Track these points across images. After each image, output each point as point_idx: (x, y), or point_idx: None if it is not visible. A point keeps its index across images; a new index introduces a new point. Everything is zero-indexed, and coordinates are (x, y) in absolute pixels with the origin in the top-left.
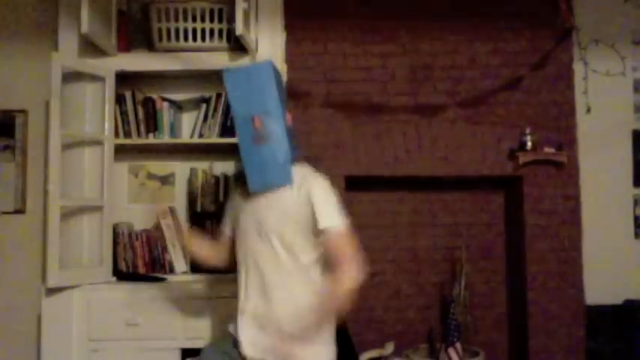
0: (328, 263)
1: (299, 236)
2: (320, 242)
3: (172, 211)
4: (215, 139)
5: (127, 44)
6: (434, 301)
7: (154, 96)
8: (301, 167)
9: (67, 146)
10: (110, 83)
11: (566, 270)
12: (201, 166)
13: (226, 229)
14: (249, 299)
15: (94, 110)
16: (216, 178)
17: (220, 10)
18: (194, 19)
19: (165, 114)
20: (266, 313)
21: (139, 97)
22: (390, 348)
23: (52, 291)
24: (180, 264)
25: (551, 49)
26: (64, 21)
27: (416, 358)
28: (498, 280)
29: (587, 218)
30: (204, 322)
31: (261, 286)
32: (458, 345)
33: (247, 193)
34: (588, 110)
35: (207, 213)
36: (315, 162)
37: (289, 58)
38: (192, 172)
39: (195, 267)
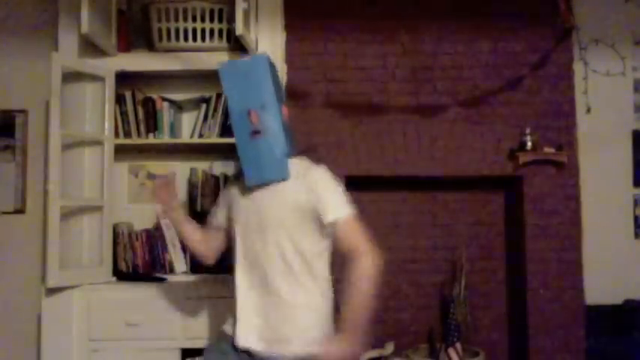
0: (336, 255)
1: (302, 229)
2: (327, 234)
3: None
4: (215, 139)
5: (127, 44)
6: (434, 301)
7: (154, 96)
8: (300, 160)
9: (67, 146)
10: (110, 83)
11: (566, 270)
12: (201, 166)
13: (215, 220)
14: (249, 296)
15: (94, 110)
16: (216, 178)
17: (220, 10)
18: (194, 19)
19: (166, 114)
20: (268, 309)
21: (139, 97)
22: (390, 348)
23: (52, 291)
24: (180, 264)
25: (551, 49)
26: (64, 21)
27: (416, 358)
28: (498, 280)
29: (587, 218)
30: (204, 322)
31: (262, 283)
32: (458, 345)
33: (246, 189)
34: (588, 110)
35: (207, 213)
36: (315, 160)
37: (289, 58)
38: (192, 172)
39: (196, 267)
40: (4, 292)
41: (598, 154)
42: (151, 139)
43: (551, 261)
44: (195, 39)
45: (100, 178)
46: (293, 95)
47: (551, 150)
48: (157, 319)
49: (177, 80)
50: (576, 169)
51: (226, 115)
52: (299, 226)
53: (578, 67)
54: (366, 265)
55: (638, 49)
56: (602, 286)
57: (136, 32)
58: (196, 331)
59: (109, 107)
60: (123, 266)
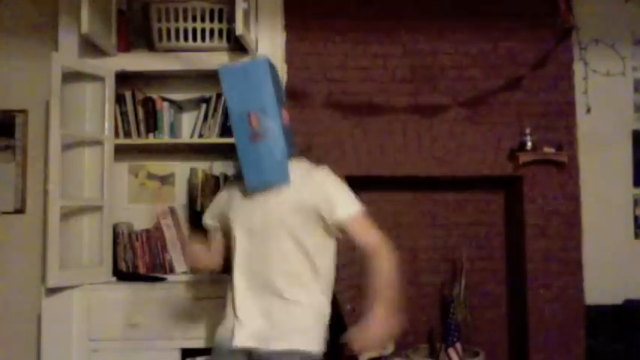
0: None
1: (305, 229)
2: (332, 232)
3: (173, 211)
4: (215, 139)
5: (127, 44)
6: (434, 301)
7: (154, 96)
8: (300, 162)
9: (67, 146)
10: (110, 83)
11: (566, 270)
12: (201, 166)
13: (212, 223)
14: (248, 296)
15: (94, 110)
16: (216, 178)
17: (220, 10)
18: (194, 19)
19: (166, 114)
20: (269, 308)
21: (139, 97)
22: (390, 348)
23: (52, 291)
24: (180, 264)
25: (551, 49)
26: (64, 21)
27: (416, 358)
28: (498, 280)
29: (587, 218)
30: (204, 322)
31: (263, 282)
32: (458, 345)
33: (247, 192)
34: (588, 110)
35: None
36: (314, 161)
37: (289, 58)
38: (192, 172)
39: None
40: (4, 292)
41: (598, 154)
42: (151, 139)
43: (551, 261)
44: (195, 39)
45: (100, 178)
46: (293, 95)
47: (551, 150)
48: (156, 319)
49: (177, 80)
50: (576, 169)
51: (226, 115)
52: (302, 226)
53: (578, 67)
54: (384, 256)
55: (638, 49)
56: (602, 286)
57: (136, 32)
58: (196, 331)
59: (109, 107)
60: (123, 266)
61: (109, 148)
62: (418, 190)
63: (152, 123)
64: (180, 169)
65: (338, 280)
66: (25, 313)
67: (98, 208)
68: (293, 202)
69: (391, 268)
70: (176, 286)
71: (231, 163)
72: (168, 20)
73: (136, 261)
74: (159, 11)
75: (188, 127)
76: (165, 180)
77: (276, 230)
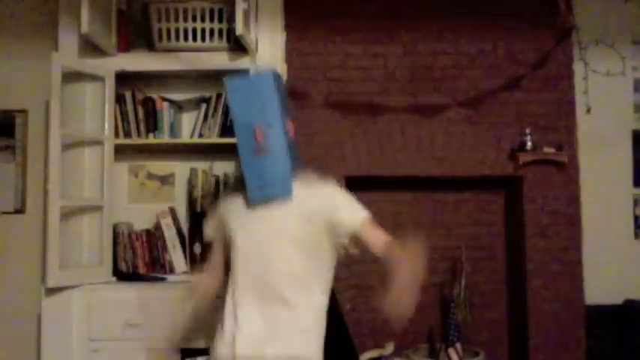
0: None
1: (310, 239)
2: (339, 238)
3: (172, 211)
4: (215, 139)
5: (127, 44)
6: (434, 301)
7: (154, 96)
8: (306, 176)
9: (67, 146)
10: (110, 83)
11: (566, 270)
12: (201, 166)
13: (212, 233)
14: (248, 304)
15: (94, 110)
16: (216, 178)
17: (220, 10)
18: (194, 19)
19: (166, 114)
20: (270, 314)
21: (139, 97)
22: (390, 348)
23: (52, 291)
24: (180, 264)
25: (551, 49)
26: (64, 21)
27: (416, 358)
28: (498, 280)
29: (587, 218)
30: (204, 322)
31: (265, 290)
32: (458, 345)
33: (249, 201)
34: (588, 110)
35: (207, 213)
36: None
37: (289, 58)
38: (192, 172)
39: (196, 267)
40: (4, 292)
41: (598, 154)
42: (151, 139)
43: (551, 261)
44: (195, 39)
45: (100, 178)
46: (293, 95)
47: (551, 150)
48: (157, 319)
49: (177, 80)
50: (576, 169)
51: (226, 115)
52: (308, 235)
53: (578, 67)
54: (398, 253)
55: (638, 49)
56: (602, 286)
57: (136, 32)
58: (196, 331)
59: (109, 107)
60: (123, 266)
61: (109, 148)
62: (418, 190)
63: (152, 123)
64: (180, 169)
65: (338, 280)
66: (25, 313)
67: (98, 208)
68: (299, 213)
69: (410, 257)
70: (176, 286)
71: (231, 163)
72: (168, 20)
73: (136, 261)
74: (159, 11)
75: (188, 127)
76: (165, 180)
77: (278, 238)
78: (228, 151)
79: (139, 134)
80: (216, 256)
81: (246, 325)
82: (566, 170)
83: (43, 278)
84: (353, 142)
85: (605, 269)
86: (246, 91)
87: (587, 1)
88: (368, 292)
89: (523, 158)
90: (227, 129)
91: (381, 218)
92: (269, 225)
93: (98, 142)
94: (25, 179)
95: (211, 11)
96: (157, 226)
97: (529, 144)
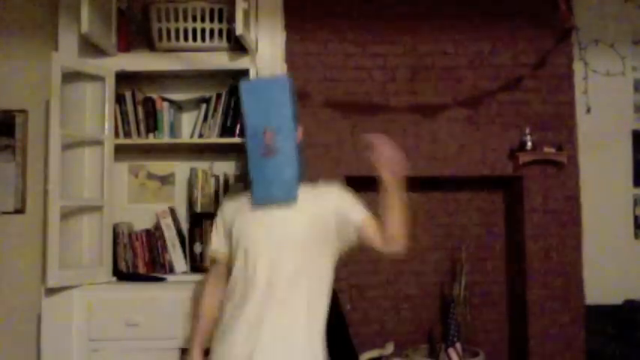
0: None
1: (317, 240)
2: (338, 247)
3: (172, 211)
4: (215, 139)
5: (127, 44)
6: (434, 301)
7: (154, 96)
8: (314, 185)
9: (67, 146)
10: (110, 83)
11: (566, 270)
12: (201, 166)
13: (223, 248)
14: (250, 310)
15: (94, 110)
16: (217, 178)
17: (220, 10)
18: (194, 19)
19: (166, 114)
20: (273, 319)
21: (139, 97)
22: (390, 348)
23: (52, 291)
24: (180, 264)
25: (551, 49)
26: (64, 21)
27: (416, 358)
28: (498, 280)
29: (587, 218)
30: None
31: (268, 294)
32: (458, 345)
33: (254, 205)
34: (588, 110)
35: (207, 213)
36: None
37: (289, 58)
38: (192, 172)
39: (196, 267)
40: (4, 292)
41: (598, 154)
42: (151, 139)
43: (551, 261)
44: (195, 39)
45: (100, 178)
46: None
47: (551, 150)
48: (157, 319)
49: (177, 80)
50: (576, 169)
51: (226, 115)
52: (312, 237)
53: (578, 67)
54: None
55: (638, 49)
56: (602, 286)
57: (136, 32)
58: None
59: (109, 107)
60: (123, 266)
61: (109, 148)
62: (418, 190)
63: (152, 123)
64: (180, 169)
65: (338, 280)
66: (25, 313)
67: (98, 208)
68: (304, 216)
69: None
70: (176, 286)
71: (231, 163)
72: (168, 20)
73: (136, 261)
74: (159, 11)
75: (188, 127)
76: (165, 180)
77: (283, 240)
78: (228, 151)
79: (139, 134)
80: (219, 269)
81: (248, 326)
82: (566, 170)
83: (43, 278)
84: (353, 142)
85: (605, 269)
86: (260, 94)
87: (587, 1)
88: (368, 292)
89: (523, 158)
90: (227, 129)
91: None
92: (274, 227)
93: (98, 142)
94: (25, 179)
95: (211, 11)
96: (157, 226)
97: (529, 144)
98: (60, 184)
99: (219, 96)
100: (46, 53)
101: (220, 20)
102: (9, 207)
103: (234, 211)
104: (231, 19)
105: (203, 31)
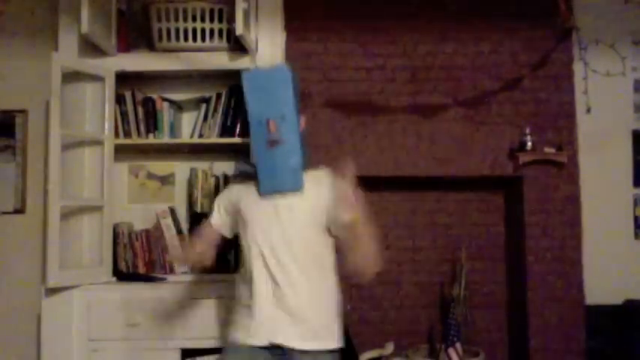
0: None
1: (323, 226)
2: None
3: (172, 211)
4: (215, 139)
5: (127, 44)
6: (434, 301)
7: (154, 96)
8: (317, 170)
9: (67, 146)
10: (110, 83)
11: (566, 270)
12: (201, 166)
13: (219, 220)
14: (269, 294)
15: (94, 110)
16: (217, 178)
17: (220, 10)
18: (194, 19)
19: (166, 114)
20: (286, 302)
21: (139, 97)
22: (390, 348)
23: (52, 291)
24: (179, 264)
25: (551, 49)
26: (64, 21)
27: (416, 358)
28: (498, 280)
29: (587, 218)
30: (204, 322)
31: (284, 279)
32: (458, 345)
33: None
34: (588, 110)
35: (207, 213)
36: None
37: (289, 58)
38: (192, 172)
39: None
40: (4, 292)
41: (598, 154)
42: (151, 139)
43: (551, 261)
44: (195, 39)
45: (100, 178)
46: None
47: (551, 150)
48: (156, 319)
49: (177, 80)
50: (576, 169)
51: (226, 115)
52: (323, 222)
53: (578, 67)
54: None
55: (638, 49)
56: (602, 286)
57: (136, 32)
58: (196, 331)
59: (109, 107)
60: (123, 266)
61: (109, 148)
62: (418, 190)
63: (152, 123)
64: (180, 169)
65: (338, 280)
66: (25, 313)
67: (98, 208)
68: (310, 201)
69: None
70: (176, 286)
71: (231, 163)
72: (168, 20)
73: (136, 261)
74: (159, 11)
75: (188, 127)
76: (165, 180)
77: (293, 226)
78: (228, 151)
79: (139, 134)
80: (209, 233)
81: (268, 318)
82: (566, 170)
83: (43, 278)
84: (353, 142)
85: (605, 269)
86: (262, 83)
87: (587, 1)
88: (368, 292)
89: (523, 158)
90: (227, 129)
91: (381, 218)
92: (283, 215)
93: (98, 142)
94: (25, 179)
95: (211, 11)
96: (157, 226)
97: (529, 144)
98: (60, 184)
99: (219, 96)
100: (46, 53)
101: (220, 20)
102: (9, 207)
103: (243, 194)
104: (231, 19)
105: (203, 31)
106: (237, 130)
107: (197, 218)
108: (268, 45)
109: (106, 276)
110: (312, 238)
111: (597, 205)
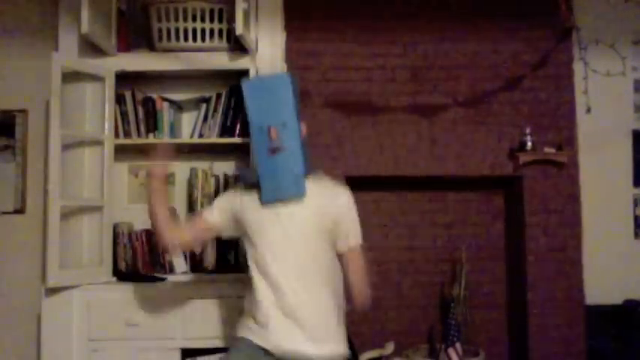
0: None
1: (326, 234)
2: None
3: (172, 211)
4: (215, 139)
5: (127, 44)
6: (434, 301)
7: (154, 96)
8: (319, 177)
9: (67, 146)
10: (110, 83)
11: (566, 270)
12: (201, 166)
13: (210, 218)
14: (273, 299)
15: (94, 110)
16: (217, 178)
17: (220, 10)
18: (194, 19)
19: (166, 114)
20: (291, 308)
21: (139, 97)
22: (390, 348)
23: (52, 291)
24: (180, 264)
25: (551, 49)
26: (64, 21)
27: (416, 358)
28: (498, 280)
29: (587, 218)
30: (204, 322)
31: (283, 284)
32: (458, 345)
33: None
34: (588, 110)
35: None
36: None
37: (289, 58)
38: (192, 172)
39: (196, 267)
40: (4, 292)
41: (598, 154)
42: (151, 139)
43: (551, 261)
44: (195, 39)
45: (100, 178)
46: None
47: (551, 150)
48: (156, 319)
49: (177, 80)
50: (576, 169)
51: (226, 115)
52: (325, 230)
53: (578, 67)
54: (363, 292)
55: (638, 49)
56: (602, 286)
57: (136, 32)
58: (196, 331)
59: (109, 107)
60: (123, 266)
61: (109, 148)
62: (418, 190)
63: (152, 123)
64: (180, 169)
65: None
66: (25, 313)
67: (98, 208)
68: (313, 208)
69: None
70: (176, 286)
71: (231, 163)
72: (168, 20)
73: (136, 261)
74: (159, 11)
75: (188, 127)
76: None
77: (297, 234)
78: (228, 151)
79: (139, 134)
80: (197, 222)
81: (280, 325)
82: (566, 170)
83: (43, 278)
84: (353, 142)
85: (605, 269)
86: (264, 91)
87: (587, 1)
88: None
89: (523, 158)
90: (227, 129)
91: (381, 218)
92: (286, 222)
93: (98, 142)
94: (25, 179)
95: (211, 11)
96: None
97: (529, 144)
98: (60, 184)
99: (219, 96)
100: (46, 53)
101: (220, 20)
102: (9, 207)
103: (245, 200)
104: (231, 19)
105: (203, 31)
106: (237, 130)
107: None
108: (268, 45)
109: (105, 276)
110: (314, 244)
111: (597, 205)
